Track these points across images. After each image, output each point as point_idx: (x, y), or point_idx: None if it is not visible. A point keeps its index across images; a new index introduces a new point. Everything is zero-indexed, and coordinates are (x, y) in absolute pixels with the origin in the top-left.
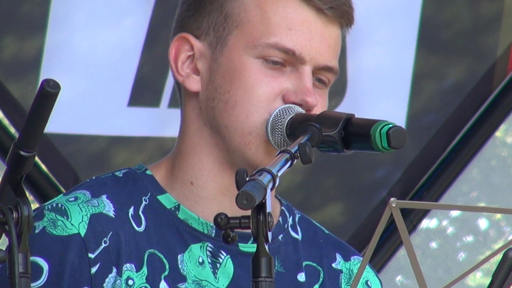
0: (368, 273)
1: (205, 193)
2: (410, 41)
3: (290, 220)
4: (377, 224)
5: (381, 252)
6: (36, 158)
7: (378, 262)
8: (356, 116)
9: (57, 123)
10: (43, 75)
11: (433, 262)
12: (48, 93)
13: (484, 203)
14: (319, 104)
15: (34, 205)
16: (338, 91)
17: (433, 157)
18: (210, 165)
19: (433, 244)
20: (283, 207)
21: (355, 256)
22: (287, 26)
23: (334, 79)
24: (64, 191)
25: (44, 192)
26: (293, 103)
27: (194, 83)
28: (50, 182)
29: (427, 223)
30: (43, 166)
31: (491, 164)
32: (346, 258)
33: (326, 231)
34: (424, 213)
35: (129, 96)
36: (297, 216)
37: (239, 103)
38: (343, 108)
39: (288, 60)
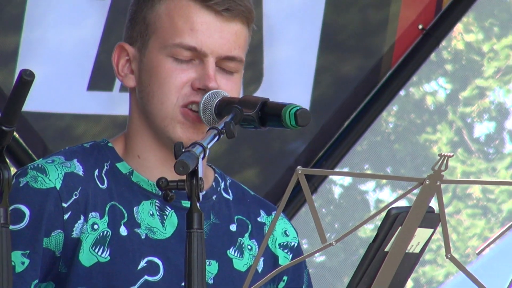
0: (286, 224)
1: (150, 164)
2: (314, 41)
3: (222, 185)
4: (286, 186)
5: (288, 209)
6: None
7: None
8: (271, 99)
9: (31, 103)
10: (20, 66)
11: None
12: (25, 81)
13: (371, 171)
14: (229, 87)
15: (12, 170)
16: (256, 78)
17: (331, 133)
18: (150, 142)
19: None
20: (216, 174)
21: (275, 212)
22: (189, 28)
23: (240, 65)
24: (36, 158)
25: (19, 158)
26: (198, 88)
27: (130, 81)
28: (25, 151)
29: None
30: (19, 138)
31: (377, 139)
32: (268, 213)
33: (252, 193)
34: (323, 178)
35: (88, 82)
36: (228, 181)
37: (155, 94)
38: (261, 92)
39: (194, 55)
